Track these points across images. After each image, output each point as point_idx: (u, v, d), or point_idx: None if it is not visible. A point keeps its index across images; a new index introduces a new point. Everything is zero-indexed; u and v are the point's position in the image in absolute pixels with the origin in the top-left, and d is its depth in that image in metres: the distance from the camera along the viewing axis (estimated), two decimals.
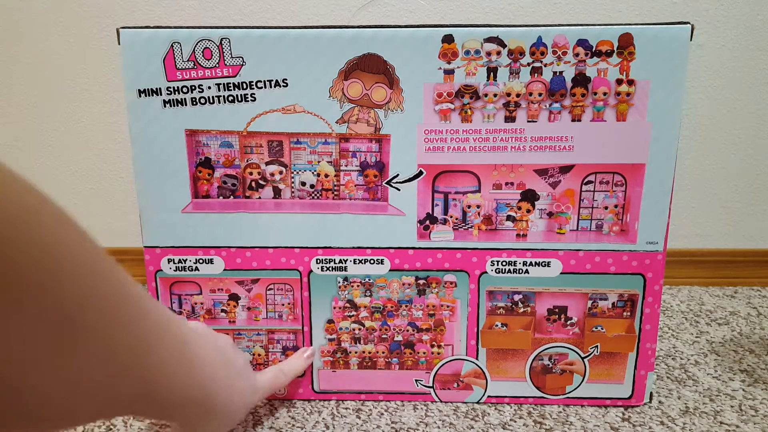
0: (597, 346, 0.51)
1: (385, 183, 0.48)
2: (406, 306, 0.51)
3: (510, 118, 0.47)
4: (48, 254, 0.23)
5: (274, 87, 0.46)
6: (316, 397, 0.54)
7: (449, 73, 0.46)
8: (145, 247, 0.51)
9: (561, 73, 0.45)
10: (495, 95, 0.46)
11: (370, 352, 0.53)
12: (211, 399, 0.38)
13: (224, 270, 0.51)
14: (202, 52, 0.46)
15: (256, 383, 0.46)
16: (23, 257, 0.21)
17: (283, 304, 0.52)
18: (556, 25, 0.45)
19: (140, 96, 0.47)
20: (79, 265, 0.24)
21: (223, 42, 0.46)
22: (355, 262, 0.50)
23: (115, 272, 0.27)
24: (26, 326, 0.22)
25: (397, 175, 0.48)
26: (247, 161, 0.48)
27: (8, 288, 0.21)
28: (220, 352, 0.41)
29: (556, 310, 0.51)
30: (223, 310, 0.52)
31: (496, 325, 0.51)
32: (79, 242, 0.25)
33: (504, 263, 0.50)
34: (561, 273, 0.50)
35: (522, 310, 0.51)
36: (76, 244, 0.24)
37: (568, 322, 0.51)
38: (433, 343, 0.52)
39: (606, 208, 0.48)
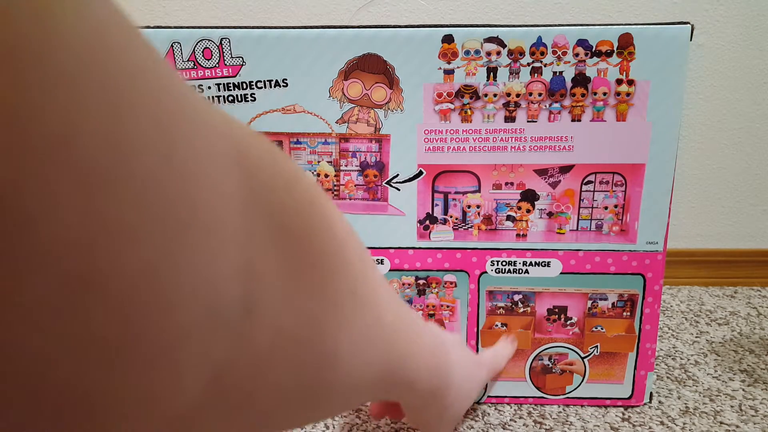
0: (597, 346, 0.51)
1: (385, 183, 0.48)
2: None
3: (510, 118, 0.47)
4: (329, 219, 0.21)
5: (274, 87, 0.46)
6: None
7: (449, 73, 0.46)
8: None
9: (561, 73, 0.45)
10: (495, 95, 0.46)
11: None
12: (448, 377, 0.34)
13: None
14: (202, 52, 0.46)
15: (481, 358, 0.43)
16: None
17: None
18: (556, 25, 0.45)
19: None
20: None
21: (223, 42, 0.46)
22: None
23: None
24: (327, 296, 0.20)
25: (397, 175, 0.48)
26: None
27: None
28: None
29: (556, 310, 0.51)
30: None
31: (496, 325, 0.51)
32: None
33: (504, 263, 0.50)
34: (561, 273, 0.50)
35: (522, 310, 0.51)
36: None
37: (568, 322, 0.51)
38: None
39: (606, 208, 0.48)
